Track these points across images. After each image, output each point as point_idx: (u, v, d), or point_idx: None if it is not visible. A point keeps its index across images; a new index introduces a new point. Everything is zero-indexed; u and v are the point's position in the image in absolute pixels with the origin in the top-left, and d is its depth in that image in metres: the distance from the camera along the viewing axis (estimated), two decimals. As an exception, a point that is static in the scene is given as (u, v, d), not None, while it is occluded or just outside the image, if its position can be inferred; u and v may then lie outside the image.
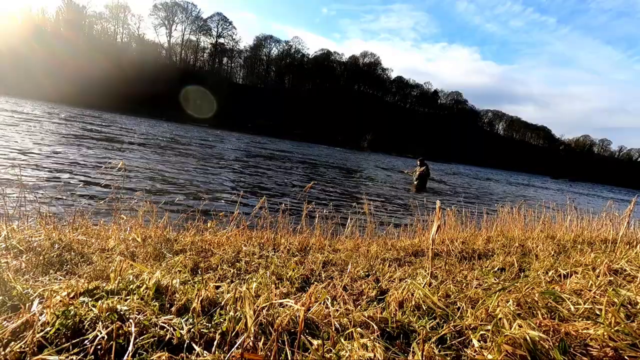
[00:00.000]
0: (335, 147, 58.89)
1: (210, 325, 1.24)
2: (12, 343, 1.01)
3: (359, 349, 1.17)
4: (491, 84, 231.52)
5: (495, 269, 2.59)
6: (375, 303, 1.74)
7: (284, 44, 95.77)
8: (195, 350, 1.11)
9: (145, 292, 1.42)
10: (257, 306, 1.31)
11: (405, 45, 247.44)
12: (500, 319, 1.41)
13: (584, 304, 1.64)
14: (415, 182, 13.09)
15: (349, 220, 3.85)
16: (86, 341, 1.05)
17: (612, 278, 2.16)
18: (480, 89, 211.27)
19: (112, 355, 1.01)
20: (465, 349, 1.30)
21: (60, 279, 1.64)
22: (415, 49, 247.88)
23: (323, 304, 1.47)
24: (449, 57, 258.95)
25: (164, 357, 1.05)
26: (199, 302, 1.34)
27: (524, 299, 1.63)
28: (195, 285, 1.60)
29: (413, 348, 1.26)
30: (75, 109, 38.96)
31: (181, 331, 1.17)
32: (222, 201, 7.12)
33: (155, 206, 3.15)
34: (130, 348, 1.05)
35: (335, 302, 1.60)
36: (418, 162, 13.04)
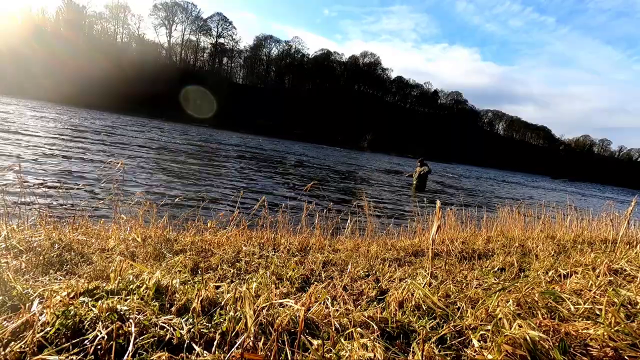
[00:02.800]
0: (335, 147, 58.89)
1: (210, 325, 1.24)
2: (12, 343, 1.01)
3: (359, 349, 1.17)
4: (491, 84, 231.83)
5: (495, 269, 2.59)
6: (375, 303, 1.74)
7: (284, 44, 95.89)
8: (195, 350, 1.11)
9: (145, 292, 1.42)
10: (257, 306, 1.31)
11: (405, 46, 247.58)
12: (500, 319, 1.41)
13: (584, 304, 1.64)
14: (415, 182, 13.09)
15: (349, 220, 3.84)
16: (86, 341, 1.05)
17: (612, 278, 2.16)
18: (480, 89, 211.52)
19: (112, 355, 1.01)
20: (465, 349, 1.29)
21: (60, 279, 1.64)
22: (415, 49, 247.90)
23: (323, 304, 1.47)
24: (450, 58, 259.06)
25: (164, 357, 1.05)
26: (199, 302, 1.34)
27: (524, 299, 1.63)
28: (195, 285, 1.60)
29: (413, 348, 1.26)
30: (75, 109, 38.97)
31: (181, 331, 1.17)
32: (222, 201, 7.12)
33: (155, 206, 3.15)
34: (130, 348, 1.05)
35: (335, 302, 1.60)
36: (418, 163, 13.03)
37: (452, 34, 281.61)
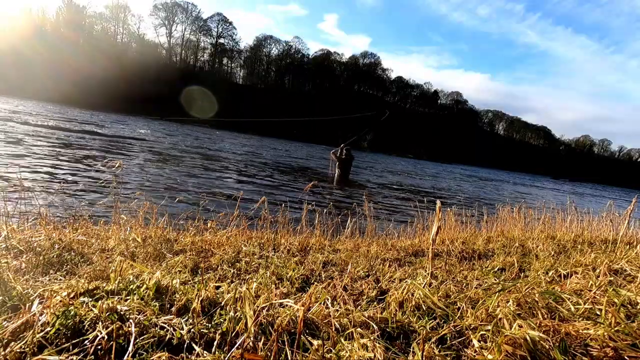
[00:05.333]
0: (336, 147, 58.79)
1: (210, 325, 1.24)
2: (13, 343, 1.01)
3: (359, 349, 1.17)
4: (495, 101, 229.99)
5: (496, 269, 2.59)
6: (375, 303, 1.74)
7: (284, 44, 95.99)
8: (195, 350, 1.11)
9: (146, 292, 1.42)
10: (257, 306, 1.31)
11: (425, 71, 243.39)
12: (500, 319, 1.40)
13: (584, 304, 1.64)
14: (338, 172, 12.15)
15: (349, 220, 3.85)
16: (86, 341, 1.05)
17: (612, 278, 2.16)
18: (483, 104, 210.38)
19: (112, 355, 1.01)
20: (465, 349, 1.29)
21: (61, 279, 1.64)
22: (434, 72, 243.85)
23: (323, 304, 1.47)
24: (463, 80, 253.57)
25: (164, 357, 1.05)
26: (199, 302, 1.34)
27: (524, 299, 1.63)
28: (196, 286, 1.60)
29: (413, 348, 1.26)
30: (76, 109, 38.99)
31: (181, 331, 1.17)
32: (222, 201, 7.12)
33: (155, 206, 3.15)
34: (130, 348, 1.04)
35: (335, 302, 1.60)
36: (344, 151, 12.06)
37: (467, 63, 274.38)
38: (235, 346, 1.10)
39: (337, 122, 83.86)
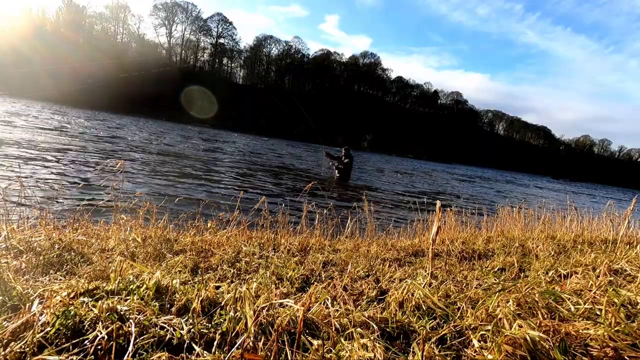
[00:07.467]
0: (335, 147, 58.88)
1: (210, 325, 1.24)
2: (12, 343, 1.01)
3: (359, 349, 1.17)
4: (495, 101, 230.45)
5: (496, 269, 2.59)
6: (375, 303, 1.74)
7: (284, 44, 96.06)
8: (195, 350, 1.11)
9: (146, 292, 1.42)
10: (257, 306, 1.31)
11: (425, 71, 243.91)
12: (500, 319, 1.40)
13: (584, 304, 1.64)
14: (337, 173, 11.98)
15: (349, 220, 3.84)
16: (86, 341, 1.05)
17: (612, 278, 2.16)
18: (483, 104, 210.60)
19: (112, 355, 1.01)
20: (465, 349, 1.29)
21: (61, 279, 1.64)
22: (434, 72, 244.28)
23: (323, 304, 1.47)
24: (463, 80, 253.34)
25: (164, 357, 1.05)
26: (199, 303, 1.34)
27: (524, 299, 1.63)
28: (196, 286, 1.60)
29: (413, 348, 1.26)
30: (76, 109, 39.00)
31: (181, 331, 1.17)
32: (222, 201, 7.12)
33: (155, 206, 3.15)
34: (130, 348, 1.05)
35: (335, 303, 1.60)
36: (343, 151, 11.90)
37: (467, 63, 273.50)
38: (235, 346, 1.10)
39: (337, 125, 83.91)
